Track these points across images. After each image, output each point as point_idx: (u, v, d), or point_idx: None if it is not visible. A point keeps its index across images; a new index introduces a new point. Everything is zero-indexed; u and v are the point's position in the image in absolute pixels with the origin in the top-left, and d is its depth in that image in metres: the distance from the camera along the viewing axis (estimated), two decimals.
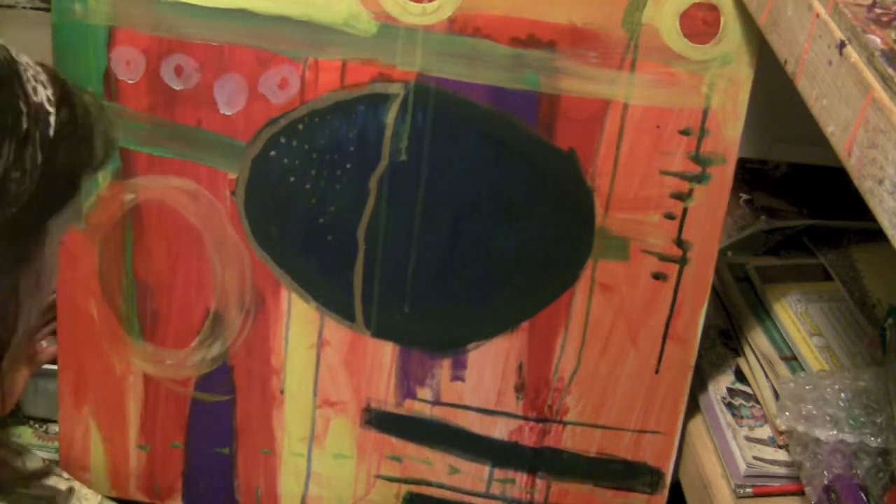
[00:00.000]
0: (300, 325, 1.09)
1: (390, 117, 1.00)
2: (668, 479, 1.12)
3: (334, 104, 1.00)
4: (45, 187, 0.71)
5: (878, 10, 0.65)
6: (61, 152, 0.73)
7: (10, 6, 1.19)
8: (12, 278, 0.72)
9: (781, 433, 1.00)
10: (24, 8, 1.19)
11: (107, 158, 0.79)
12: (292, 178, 1.03)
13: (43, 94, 0.72)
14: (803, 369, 1.02)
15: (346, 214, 1.04)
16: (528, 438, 1.12)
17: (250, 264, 1.07)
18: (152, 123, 1.01)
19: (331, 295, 1.08)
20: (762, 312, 1.12)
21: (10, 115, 0.69)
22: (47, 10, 1.17)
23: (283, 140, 1.02)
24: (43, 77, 0.74)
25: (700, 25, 0.96)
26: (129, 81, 1.00)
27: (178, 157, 1.03)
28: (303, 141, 1.02)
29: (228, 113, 1.01)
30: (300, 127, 1.01)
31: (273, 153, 1.02)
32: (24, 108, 0.69)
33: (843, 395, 0.92)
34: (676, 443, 1.10)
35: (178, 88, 1.00)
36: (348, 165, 1.02)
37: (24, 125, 0.69)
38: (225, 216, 1.05)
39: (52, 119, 0.73)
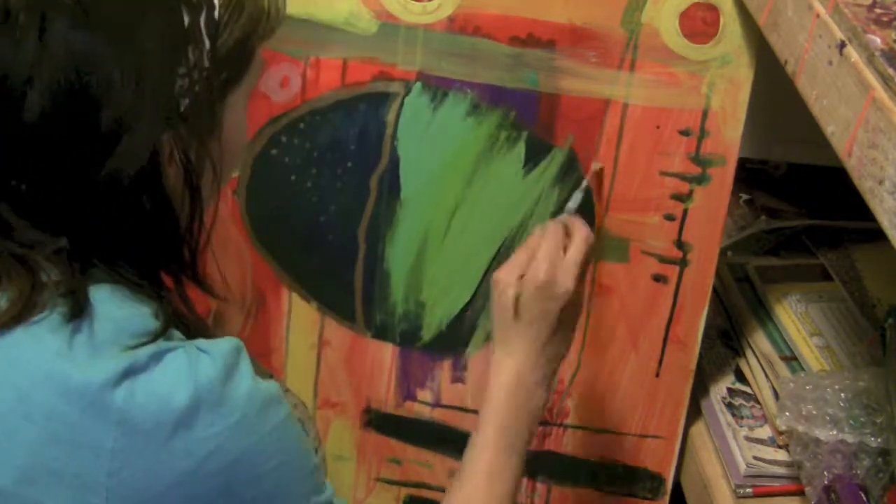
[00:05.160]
0: (300, 324, 1.09)
1: (391, 116, 1.00)
2: (670, 485, 1.11)
3: (335, 103, 1.00)
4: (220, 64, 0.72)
5: (878, 10, 0.65)
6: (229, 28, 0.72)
7: None
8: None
9: (781, 433, 1.00)
10: None
11: (277, 13, 0.76)
12: (293, 177, 1.03)
13: None
14: (803, 369, 1.02)
15: (347, 213, 1.04)
16: None
17: (251, 263, 1.07)
18: None
19: (331, 295, 1.08)
20: (762, 313, 1.12)
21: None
22: None
23: (283, 139, 1.02)
24: None
25: (700, 25, 0.96)
26: None
27: None
28: (304, 139, 1.02)
29: None
30: (301, 125, 1.01)
31: (274, 152, 1.02)
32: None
33: (843, 395, 0.92)
34: (677, 448, 1.09)
35: None
36: (349, 164, 1.02)
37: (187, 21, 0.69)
38: (226, 215, 1.05)
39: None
